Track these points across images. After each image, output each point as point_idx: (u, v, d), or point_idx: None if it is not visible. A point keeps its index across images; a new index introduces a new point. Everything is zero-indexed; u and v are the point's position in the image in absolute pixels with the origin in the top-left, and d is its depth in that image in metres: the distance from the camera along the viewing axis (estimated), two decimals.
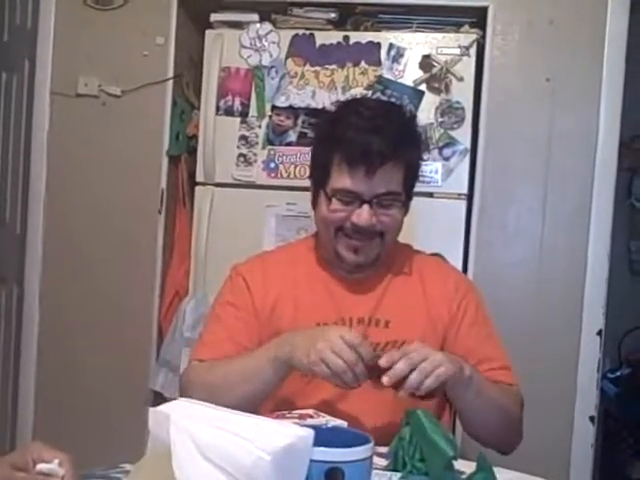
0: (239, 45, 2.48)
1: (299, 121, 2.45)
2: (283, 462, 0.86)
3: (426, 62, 2.39)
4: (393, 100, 2.24)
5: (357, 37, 2.44)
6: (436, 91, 2.39)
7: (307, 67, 2.45)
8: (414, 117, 1.56)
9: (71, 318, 2.62)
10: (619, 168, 2.42)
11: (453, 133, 2.38)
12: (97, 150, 2.60)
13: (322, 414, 1.24)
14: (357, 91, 2.40)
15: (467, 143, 2.39)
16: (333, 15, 2.48)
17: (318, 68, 2.44)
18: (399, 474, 1.16)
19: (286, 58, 2.46)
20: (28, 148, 2.66)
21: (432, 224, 2.29)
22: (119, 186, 2.58)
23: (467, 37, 2.39)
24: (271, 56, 2.46)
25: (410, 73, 2.40)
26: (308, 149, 1.58)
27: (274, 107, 2.46)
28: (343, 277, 1.52)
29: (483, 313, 1.56)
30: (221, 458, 0.87)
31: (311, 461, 0.91)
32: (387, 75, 2.41)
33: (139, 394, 2.53)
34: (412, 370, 1.21)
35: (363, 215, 1.42)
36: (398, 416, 1.23)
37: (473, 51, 2.38)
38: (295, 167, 2.44)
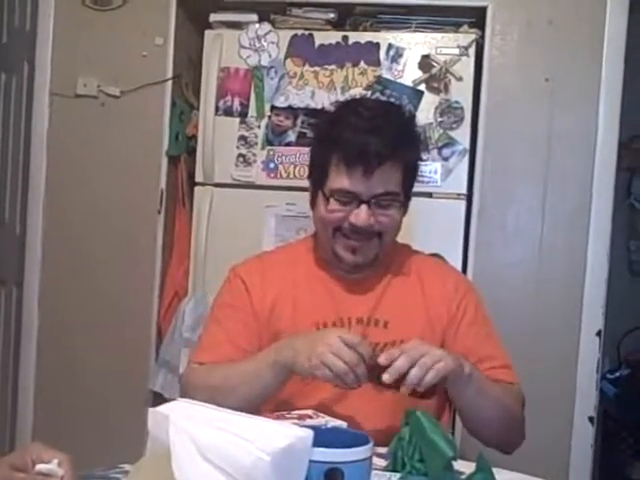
0: (238, 45, 2.48)
1: (298, 121, 2.45)
2: (283, 463, 0.86)
3: (425, 62, 2.40)
4: (392, 100, 2.25)
5: (356, 37, 2.44)
6: (435, 91, 2.39)
7: (306, 67, 2.45)
8: (413, 117, 1.56)
9: (70, 319, 2.62)
10: (618, 168, 2.42)
11: (452, 133, 2.38)
12: (96, 151, 2.60)
13: (321, 415, 1.24)
14: (356, 91, 2.39)
15: (466, 143, 2.38)
16: (332, 15, 2.48)
17: (317, 68, 2.44)
18: (398, 474, 1.16)
19: (285, 58, 2.46)
20: (28, 149, 2.66)
21: (431, 224, 2.29)
22: (118, 187, 2.58)
23: (466, 37, 2.39)
24: (270, 56, 2.46)
25: (409, 73, 2.40)
26: (307, 149, 1.58)
27: (273, 107, 2.46)
28: (342, 277, 1.52)
29: (482, 313, 1.56)
30: (221, 459, 0.87)
31: (311, 461, 0.91)
32: (386, 75, 2.41)
33: (138, 394, 2.53)
34: (412, 366, 1.21)
35: (361, 215, 1.42)
36: (397, 416, 1.23)
37: (472, 51, 2.38)
38: (294, 167, 2.44)
